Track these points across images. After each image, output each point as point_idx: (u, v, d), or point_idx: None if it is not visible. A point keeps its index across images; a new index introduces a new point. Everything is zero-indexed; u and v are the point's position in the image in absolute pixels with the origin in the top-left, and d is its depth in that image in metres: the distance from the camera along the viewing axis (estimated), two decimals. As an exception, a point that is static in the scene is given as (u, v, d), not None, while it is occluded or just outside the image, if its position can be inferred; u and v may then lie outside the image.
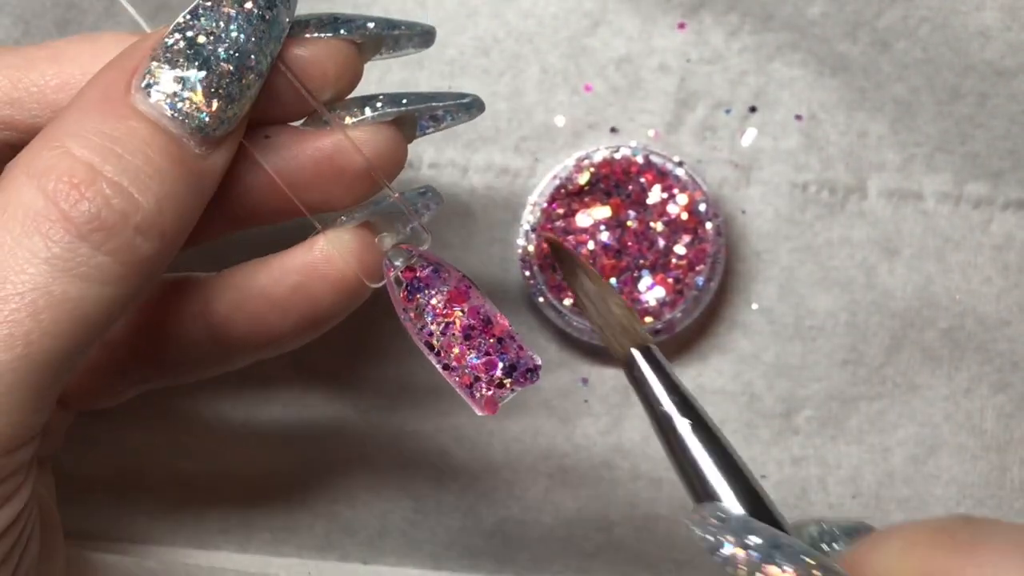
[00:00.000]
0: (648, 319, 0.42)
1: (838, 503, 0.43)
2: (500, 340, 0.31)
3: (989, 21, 0.42)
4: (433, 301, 0.31)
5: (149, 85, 0.29)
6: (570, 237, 0.42)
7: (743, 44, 0.43)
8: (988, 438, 0.43)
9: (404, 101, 0.33)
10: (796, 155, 0.43)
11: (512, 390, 0.31)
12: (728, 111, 0.43)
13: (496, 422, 0.43)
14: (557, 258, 0.38)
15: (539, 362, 0.32)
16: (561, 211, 0.42)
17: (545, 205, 0.42)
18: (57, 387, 0.28)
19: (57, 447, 0.37)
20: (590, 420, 0.43)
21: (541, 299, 0.42)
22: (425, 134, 0.35)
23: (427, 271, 0.32)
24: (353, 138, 0.32)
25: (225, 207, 0.32)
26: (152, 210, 0.28)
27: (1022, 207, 0.43)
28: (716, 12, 0.43)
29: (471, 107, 0.34)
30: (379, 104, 0.32)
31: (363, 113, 0.32)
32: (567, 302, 0.42)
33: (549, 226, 0.42)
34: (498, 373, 0.31)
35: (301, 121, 0.33)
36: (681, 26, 0.43)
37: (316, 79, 0.31)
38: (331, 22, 0.32)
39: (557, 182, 0.42)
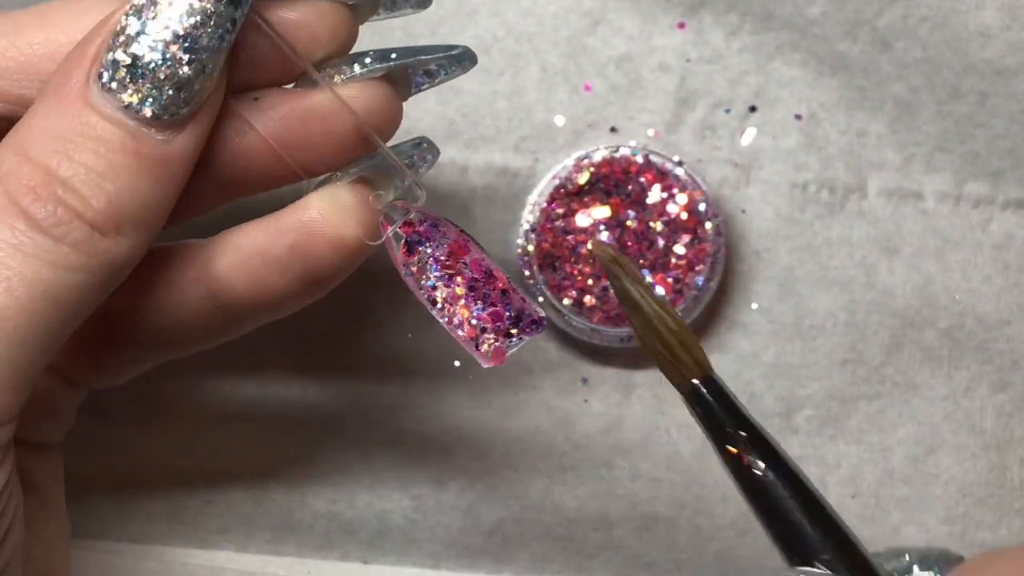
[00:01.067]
0: (648, 319, 0.42)
1: (838, 503, 0.43)
2: (504, 292, 0.31)
3: (989, 20, 0.42)
4: (435, 254, 0.31)
5: (103, 77, 0.29)
6: (569, 237, 0.42)
7: (743, 43, 0.43)
8: (988, 437, 0.43)
9: (393, 56, 0.32)
10: (796, 154, 0.43)
11: (520, 339, 0.31)
12: (728, 110, 0.43)
13: (496, 421, 0.43)
14: (612, 272, 0.34)
15: (543, 314, 0.32)
16: (561, 211, 0.42)
17: (545, 205, 0.42)
18: (34, 368, 0.28)
19: (67, 427, 0.37)
20: (590, 420, 0.43)
21: (541, 299, 0.42)
22: (420, 90, 0.34)
23: (426, 225, 0.31)
24: (343, 96, 0.32)
25: (216, 174, 0.32)
26: (104, 208, 0.29)
27: (1022, 206, 0.43)
28: (716, 11, 0.43)
29: (462, 59, 0.34)
30: (368, 60, 0.32)
31: (352, 71, 0.32)
32: (567, 301, 0.42)
33: (549, 225, 0.42)
34: (505, 324, 0.31)
35: (292, 84, 0.32)
36: (681, 25, 0.43)
37: (306, 42, 0.31)
38: None
39: (557, 182, 0.42)
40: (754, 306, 0.43)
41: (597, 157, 0.42)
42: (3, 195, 0.28)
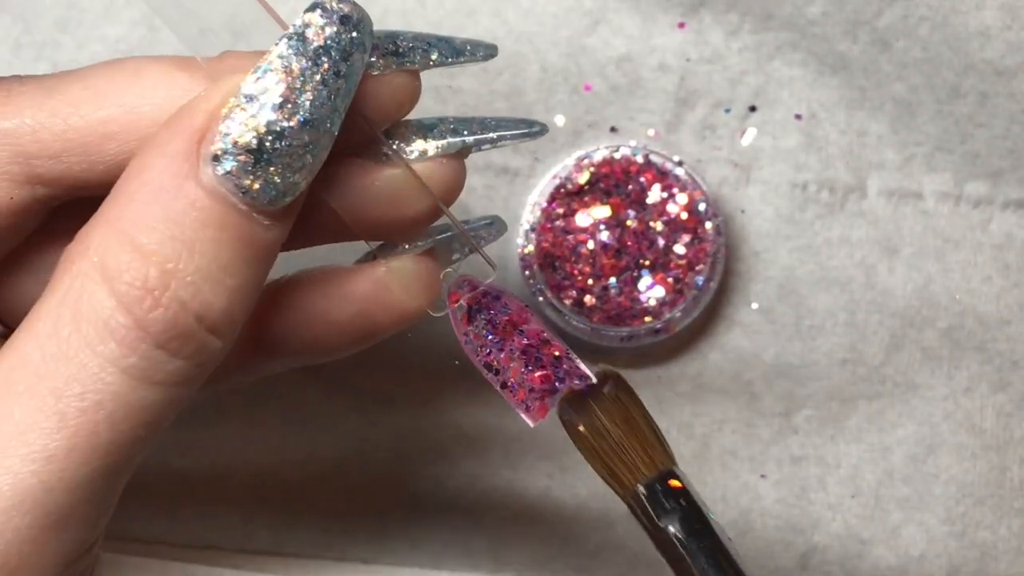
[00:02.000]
0: (648, 319, 0.42)
1: (837, 502, 0.43)
2: (557, 358, 0.31)
3: (989, 20, 0.42)
4: (494, 321, 0.31)
5: (216, 157, 0.26)
6: (570, 236, 0.42)
7: (743, 43, 0.43)
8: (988, 437, 0.43)
9: (466, 133, 0.31)
10: (796, 154, 0.43)
11: (559, 391, 0.31)
12: (728, 110, 0.43)
13: (496, 421, 0.43)
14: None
15: (592, 376, 0.31)
16: (561, 211, 0.42)
17: (545, 204, 0.42)
18: (121, 485, 0.27)
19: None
20: (590, 419, 0.43)
21: (541, 298, 0.42)
22: (481, 150, 0.33)
23: (489, 298, 0.32)
24: (417, 170, 0.30)
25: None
26: (224, 308, 0.26)
27: (1022, 206, 0.43)
28: (716, 11, 0.43)
29: (536, 135, 0.33)
30: (444, 138, 0.31)
31: (424, 142, 0.31)
32: (567, 301, 0.42)
33: (549, 225, 0.42)
34: (553, 384, 0.31)
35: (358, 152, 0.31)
36: (681, 25, 0.43)
37: (377, 110, 0.29)
38: (393, 52, 0.29)
39: (557, 181, 0.42)
40: (754, 306, 0.43)
41: (597, 157, 0.42)
42: (112, 299, 0.25)
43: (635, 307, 0.42)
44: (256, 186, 0.26)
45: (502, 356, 0.31)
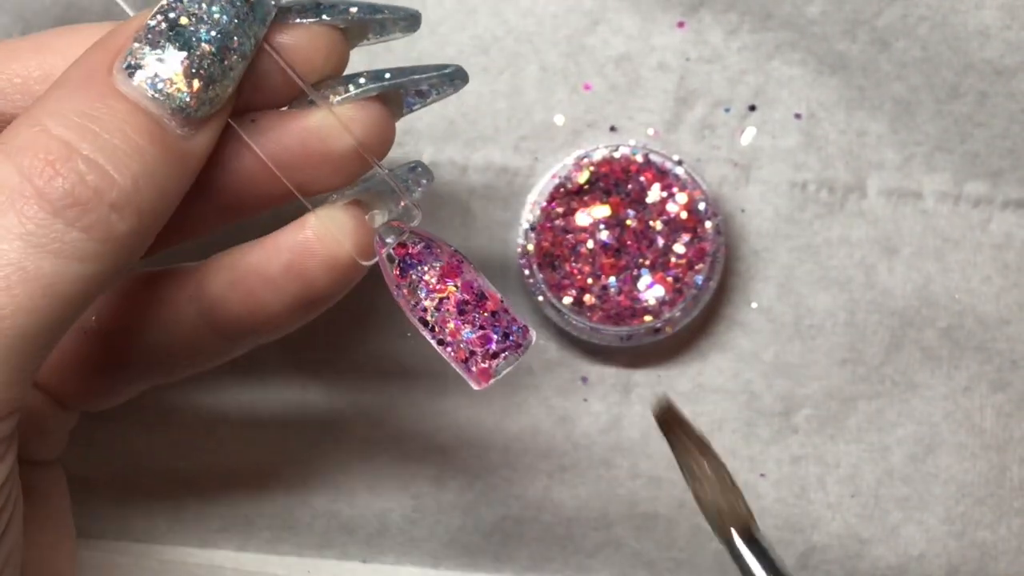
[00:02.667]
0: (647, 318, 0.42)
1: (837, 502, 0.43)
2: (494, 314, 0.32)
3: (988, 20, 0.42)
4: (426, 277, 0.31)
5: (131, 66, 0.29)
6: (569, 236, 0.42)
7: (742, 43, 0.43)
8: (987, 437, 0.43)
9: (387, 76, 0.32)
10: (795, 154, 0.43)
11: (505, 359, 0.31)
12: (727, 110, 0.43)
13: (496, 421, 0.43)
14: (667, 429, 0.36)
15: (532, 333, 0.32)
16: (560, 210, 0.42)
17: (544, 204, 0.42)
18: (31, 364, 0.28)
19: (61, 448, 0.37)
20: (589, 419, 0.43)
21: (541, 298, 0.42)
22: (412, 110, 0.34)
23: (419, 247, 0.32)
24: (339, 116, 0.32)
25: (214, 194, 0.32)
26: (128, 187, 0.28)
27: (1021, 206, 0.43)
28: (715, 11, 0.43)
29: (454, 78, 0.34)
30: (362, 81, 0.32)
31: (347, 91, 0.32)
32: (566, 300, 0.42)
33: (548, 224, 0.42)
34: (492, 347, 0.31)
35: (286, 107, 0.33)
36: (680, 25, 0.43)
37: (301, 65, 0.31)
38: (314, 7, 0.32)
39: (556, 181, 0.42)
40: (753, 305, 0.43)
41: (597, 156, 0.42)
42: (15, 172, 0.27)
43: (635, 306, 0.42)
44: (166, 93, 0.29)
45: (438, 313, 0.31)
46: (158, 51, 0.29)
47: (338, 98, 0.32)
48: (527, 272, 0.42)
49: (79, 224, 0.27)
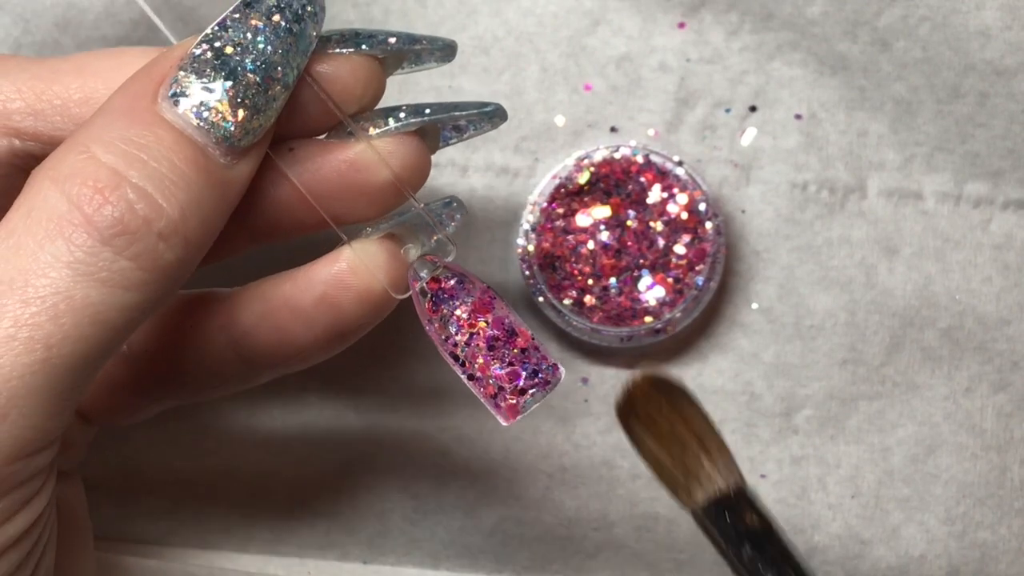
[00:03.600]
0: (648, 319, 0.42)
1: (837, 502, 0.43)
2: (524, 351, 0.32)
3: (989, 20, 0.42)
4: (458, 312, 0.32)
5: (176, 94, 0.29)
6: (570, 237, 0.42)
7: (743, 43, 0.43)
8: (988, 437, 0.43)
9: (427, 111, 0.33)
10: (796, 154, 0.43)
11: (533, 396, 0.32)
12: (728, 110, 0.43)
13: (496, 421, 0.43)
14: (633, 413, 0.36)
15: (561, 369, 0.32)
16: (561, 211, 0.42)
17: (545, 204, 0.42)
18: (77, 392, 0.28)
19: (81, 459, 0.37)
20: (590, 420, 0.43)
21: (541, 299, 0.42)
22: (448, 144, 0.34)
23: (452, 282, 0.32)
24: (378, 149, 0.32)
25: (249, 220, 0.32)
26: (175, 216, 0.28)
27: (1022, 206, 0.43)
28: (716, 11, 0.43)
29: (493, 116, 0.34)
30: (402, 115, 0.32)
31: (386, 124, 0.32)
32: (567, 301, 0.42)
33: (549, 225, 0.42)
34: (521, 383, 0.31)
35: (324, 136, 0.33)
36: (681, 25, 0.43)
37: (340, 94, 0.31)
38: (353, 37, 0.32)
39: (557, 181, 0.42)
40: (754, 306, 0.43)
41: (597, 157, 0.42)
42: (63, 200, 0.27)
43: (635, 307, 0.42)
44: (211, 122, 0.29)
45: (468, 349, 0.31)
46: (204, 80, 0.29)
47: (377, 131, 0.32)
48: (527, 273, 0.42)
49: (127, 253, 0.27)
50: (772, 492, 0.43)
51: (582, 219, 0.42)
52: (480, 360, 0.32)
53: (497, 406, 0.32)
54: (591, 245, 0.42)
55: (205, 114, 0.29)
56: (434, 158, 0.43)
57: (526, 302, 0.43)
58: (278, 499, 0.44)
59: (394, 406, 0.43)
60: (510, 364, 0.32)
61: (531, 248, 0.42)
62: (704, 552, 0.43)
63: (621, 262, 0.42)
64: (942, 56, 0.42)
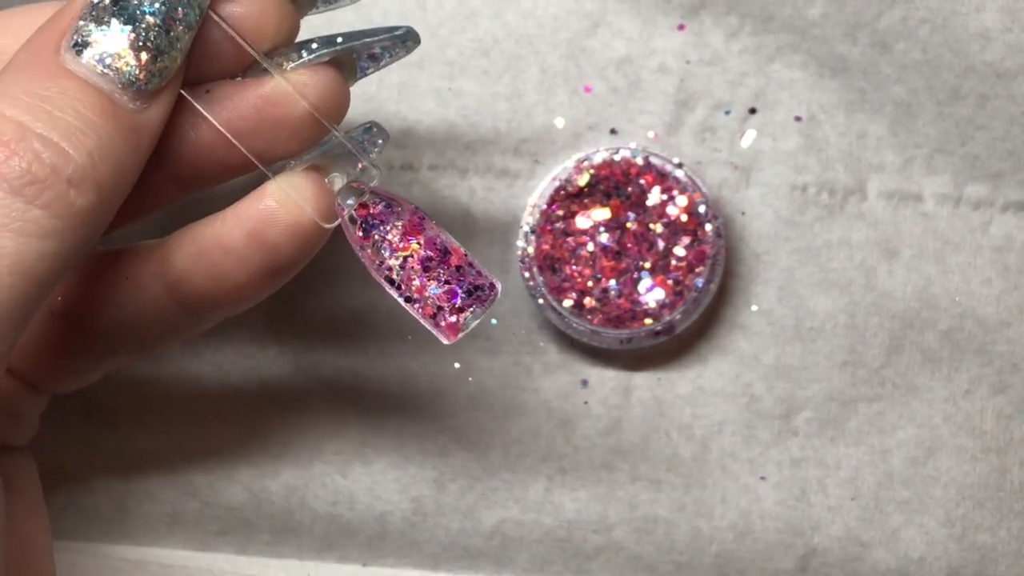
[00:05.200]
0: (648, 321, 0.42)
1: (837, 504, 0.43)
2: (458, 268, 0.32)
3: (989, 22, 0.42)
4: (389, 236, 0.32)
5: (78, 44, 0.29)
6: (569, 239, 0.42)
7: (743, 45, 0.43)
8: (988, 440, 0.43)
9: (339, 40, 0.33)
10: (796, 156, 0.43)
11: (473, 312, 0.32)
12: (728, 112, 0.43)
13: (496, 423, 0.43)
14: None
15: (498, 283, 0.32)
16: (561, 213, 0.42)
17: (545, 207, 0.42)
18: (4, 345, 0.28)
19: (32, 433, 0.37)
20: (589, 422, 0.43)
21: (541, 300, 0.42)
22: (366, 74, 0.35)
23: (380, 207, 0.32)
24: (293, 82, 0.32)
25: (172, 166, 0.32)
26: (84, 163, 0.28)
27: (1022, 209, 0.43)
28: (716, 13, 0.43)
29: (406, 39, 0.34)
30: (314, 46, 0.32)
31: (299, 57, 0.32)
32: (567, 303, 0.42)
33: (549, 227, 0.42)
34: (458, 301, 0.31)
35: (240, 77, 0.33)
36: (681, 27, 0.43)
37: (252, 34, 0.32)
38: None
39: (557, 184, 0.42)
40: (754, 308, 0.43)
41: (597, 159, 0.42)
42: None
43: (635, 309, 0.42)
44: (115, 68, 0.29)
45: (403, 272, 0.31)
46: (104, 27, 0.29)
47: (291, 64, 0.32)
48: (527, 275, 0.42)
49: (39, 202, 0.28)
50: (772, 494, 0.43)
51: (582, 221, 0.42)
52: (416, 282, 0.32)
53: (437, 325, 0.32)
54: (591, 247, 0.42)
55: (108, 61, 0.29)
56: (434, 159, 0.43)
57: (526, 304, 0.43)
58: (277, 501, 0.44)
59: (394, 407, 0.43)
60: (446, 283, 0.32)
61: (531, 250, 0.42)
62: (704, 555, 0.43)
63: (621, 264, 0.42)
64: (942, 58, 0.42)
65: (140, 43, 0.29)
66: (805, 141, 0.43)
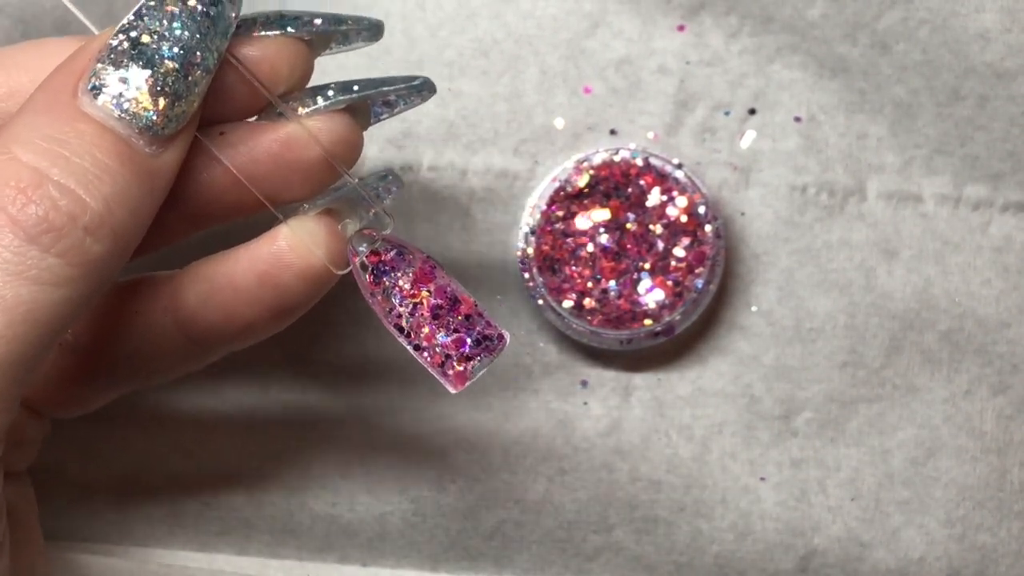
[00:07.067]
0: (648, 321, 0.42)
1: (837, 505, 0.43)
2: (467, 317, 0.32)
3: (989, 23, 0.42)
4: (400, 283, 0.32)
5: (95, 87, 0.29)
6: (569, 239, 0.42)
7: (743, 46, 0.43)
8: (988, 440, 0.43)
9: (355, 88, 0.33)
10: (795, 157, 0.43)
11: (481, 362, 0.32)
12: (727, 113, 0.43)
13: (496, 424, 0.43)
14: None
15: (506, 334, 0.32)
16: (560, 213, 0.42)
17: (544, 207, 0.42)
18: (16, 391, 0.28)
19: (33, 457, 0.37)
20: (589, 422, 0.43)
21: (541, 301, 0.42)
22: (380, 120, 0.35)
23: (391, 254, 0.32)
24: (308, 127, 0.32)
25: (184, 206, 0.32)
26: (101, 210, 0.28)
27: (1021, 209, 0.43)
28: (716, 14, 0.43)
29: (422, 89, 0.34)
30: (331, 92, 0.32)
31: (315, 103, 0.32)
32: (566, 304, 0.42)
33: (548, 228, 0.42)
34: (467, 350, 0.32)
35: (255, 118, 0.33)
36: (681, 28, 0.43)
37: (268, 76, 0.32)
38: (278, 19, 0.32)
39: (556, 184, 0.42)
40: (754, 309, 0.43)
41: (597, 160, 0.42)
42: None
43: (635, 310, 0.42)
44: (132, 113, 0.29)
45: (412, 319, 0.31)
46: (121, 70, 0.29)
47: (306, 110, 0.32)
48: (527, 276, 0.42)
49: (55, 250, 0.28)
50: (772, 495, 0.43)
51: (581, 222, 0.42)
52: (425, 329, 0.32)
53: (445, 374, 0.32)
54: (591, 248, 0.42)
55: (126, 105, 0.29)
56: (434, 159, 0.43)
57: (526, 304, 0.43)
58: (277, 502, 0.44)
59: (394, 408, 0.43)
60: (455, 331, 0.32)
61: (530, 251, 0.42)
62: (704, 555, 0.43)
63: (621, 265, 0.42)
64: (942, 59, 0.42)
65: (159, 88, 0.29)
66: (805, 142, 0.43)
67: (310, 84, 0.33)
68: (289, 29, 0.32)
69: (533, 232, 0.42)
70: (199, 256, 0.34)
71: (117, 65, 0.29)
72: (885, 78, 0.42)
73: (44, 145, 0.28)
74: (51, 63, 0.30)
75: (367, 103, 0.34)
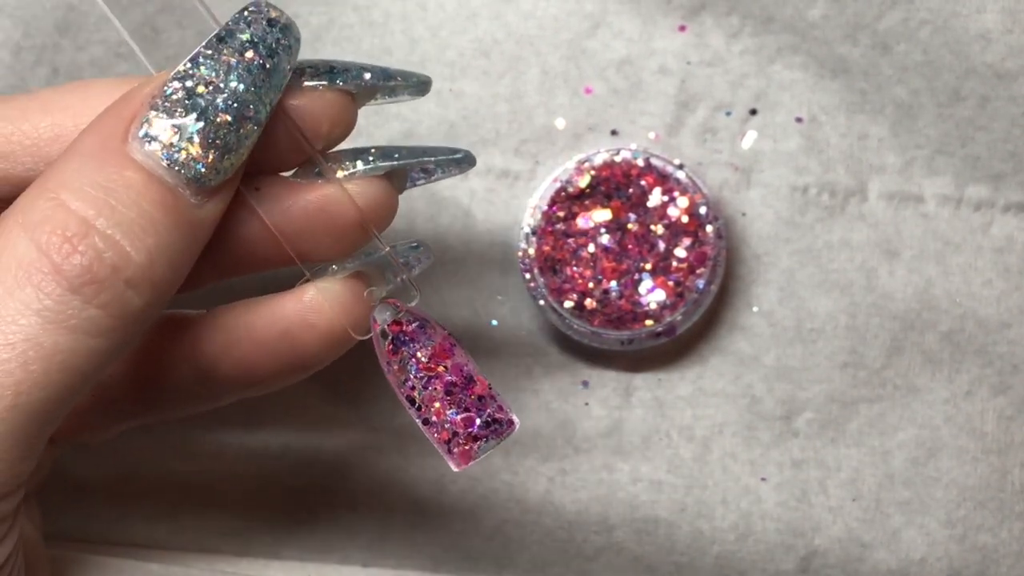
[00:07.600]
0: (649, 322, 0.42)
1: (838, 505, 0.43)
2: (480, 398, 0.32)
3: (990, 24, 0.42)
4: (418, 355, 0.32)
5: (146, 134, 0.28)
6: (570, 240, 0.42)
7: (744, 46, 0.43)
8: (989, 441, 0.43)
9: (396, 156, 0.33)
10: (796, 157, 0.43)
11: (486, 443, 0.32)
12: (728, 113, 0.43)
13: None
14: None
15: (516, 420, 0.32)
16: (561, 214, 0.42)
17: (545, 208, 0.42)
18: (45, 436, 0.28)
19: (43, 482, 0.37)
20: (590, 423, 0.43)
21: (542, 302, 0.42)
22: (416, 185, 0.34)
23: (413, 326, 0.32)
24: (345, 189, 0.32)
25: (216, 256, 0.32)
26: (143, 263, 0.28)
27: (1023, 210, 0.43)
28: (717, 14, 0.43)
29: (462, 162, 0.34)
30: (371, 157, 0.32)
31: (355, 166, 0.32)
32: (568, 304, 0.42)
33: (550, 228, 0.42)
34: (475, 429, 0.31)
35: (291, 172, 0.32)
36: (682, 28, 0.43)
37: (312, 129, 0.31)
38: (327, 71, 0.31)
39: (557, 185, 0.42)
40: (755, 309, 0.43)
41: (598, 160, 0.42)
42: (32, 247, 0.27)
43: (636, 310, 0.42)
44: (181, 163, 0.28)
45: (425, 393, 0.31)
46: (174, 119, 0.29)
47: (346, 172, 0.32)
48: (528, 276, 0.42)
49: (96, 301, 0.27)
50: (772, 495, 0.43)
51: (583, 222, 0.42)
52: (436, 404, 0.32)
53: (450, 452, 0.32)
54: (592, 248, 0.42)
55: (176, 155, 0.28)
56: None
57: (527, 305, 0.43)
58: (278, 503, 0.44)
59: (394, 409, 0.43)
60: (466, 410, 0.32)
61: (531, 251, 0.42)
62: (704, 556, 0.43)
63: (622, 265, 0.42)
64: (943, 59, 0.42)
65: (210, 140, 0.29)
66: (806, 142, 0.43)
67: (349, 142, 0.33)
68: (338, 82, 0.31)
69: (534, 232, 0.42)
70: (224, 293, 0.34)
71: (170, 114, 0.29)
72: (886, 79, 0.42)
73: (92, 193, 0.28)
74: (97, 105, 0.30)
75: (405, 169, 0.34)
